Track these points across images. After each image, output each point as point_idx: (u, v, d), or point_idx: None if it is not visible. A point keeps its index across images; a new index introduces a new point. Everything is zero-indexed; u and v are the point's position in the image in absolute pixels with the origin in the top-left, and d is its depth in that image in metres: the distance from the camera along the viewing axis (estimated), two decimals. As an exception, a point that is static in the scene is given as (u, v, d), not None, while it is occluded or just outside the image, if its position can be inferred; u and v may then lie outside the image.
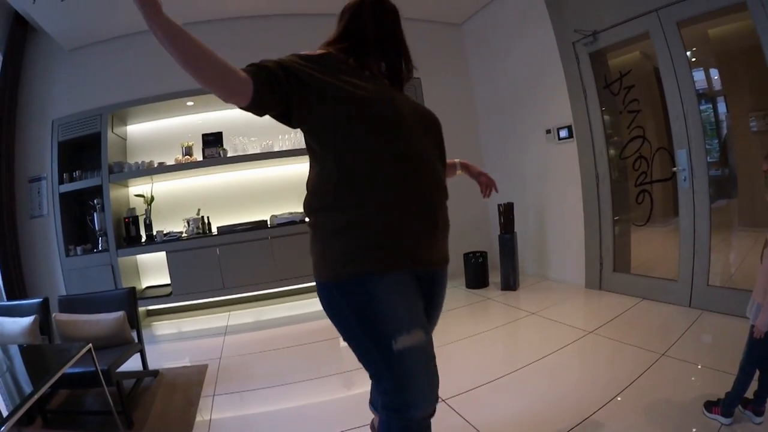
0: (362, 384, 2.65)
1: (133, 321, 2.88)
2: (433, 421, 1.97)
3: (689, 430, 2.03)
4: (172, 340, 4.02)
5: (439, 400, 2.43)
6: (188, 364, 3.26)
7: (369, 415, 2.22)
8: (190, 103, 4.75)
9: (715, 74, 4.69)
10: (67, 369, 1.88)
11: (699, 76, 5.02)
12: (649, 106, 4.02)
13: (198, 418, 2.41)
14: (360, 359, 1.32)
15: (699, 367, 2.60)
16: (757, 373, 2.06)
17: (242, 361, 3.24)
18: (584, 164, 4.32)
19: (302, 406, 2.57)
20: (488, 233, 5.57)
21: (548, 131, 4.65)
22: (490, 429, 2.19)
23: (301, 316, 4.28)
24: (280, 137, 4.89)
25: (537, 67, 4.67)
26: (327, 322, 1.34)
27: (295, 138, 4.84)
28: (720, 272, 3.59)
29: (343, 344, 3.47)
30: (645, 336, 3.11)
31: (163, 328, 4.39)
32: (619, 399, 2.36)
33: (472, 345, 3.36)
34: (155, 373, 3.04)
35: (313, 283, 1.31)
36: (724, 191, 3.97)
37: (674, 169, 3.60)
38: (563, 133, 4.46)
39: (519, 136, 5.11)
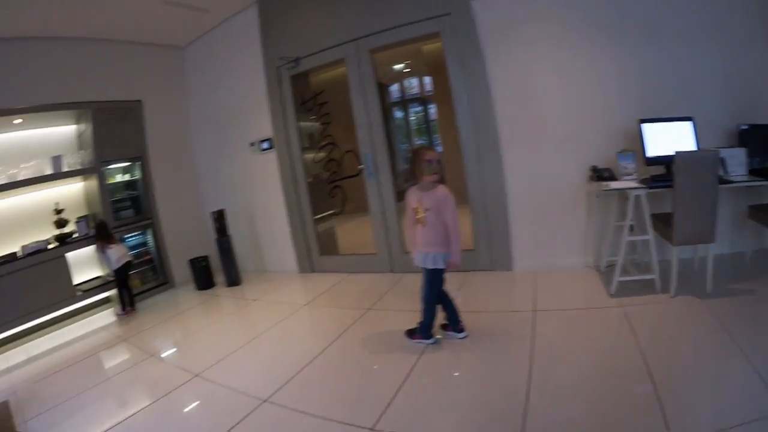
0: (134, 381, 2.98)
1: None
2: (196, 393, 2.62)
3: (398, 352, 2.65)
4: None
5: (195, 375, 2.83)
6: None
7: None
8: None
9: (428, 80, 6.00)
10: None
11: (413, 83, 6.32)
12: (343, 116, 4.73)
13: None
14: None
15: (400, 311, 3.38)
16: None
17: (38, 387, 3.20)
18: (283, 170, 4.94)
19: (102, 401, 2.78)
20: (207, 239, 5.64)
21: (252, 144, 5.17)
22: (241, 385, 2.58)
23: (70, 342, 4.03)
24: (22, 165, 4.56)
25: (247, 88, 5.13)
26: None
27: (36, 166, 4.61)
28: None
29: (110, 361, 3.51)
30: (354, 300, 3.87)
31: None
32: (337, 342, 2.99)
33: (212, 331, 3.74)
34: (-38, 423, 2.74)
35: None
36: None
37: (360, 167, 4.44)
38: (265, 145, 5.04)
39: (228, 149, 5.47)
